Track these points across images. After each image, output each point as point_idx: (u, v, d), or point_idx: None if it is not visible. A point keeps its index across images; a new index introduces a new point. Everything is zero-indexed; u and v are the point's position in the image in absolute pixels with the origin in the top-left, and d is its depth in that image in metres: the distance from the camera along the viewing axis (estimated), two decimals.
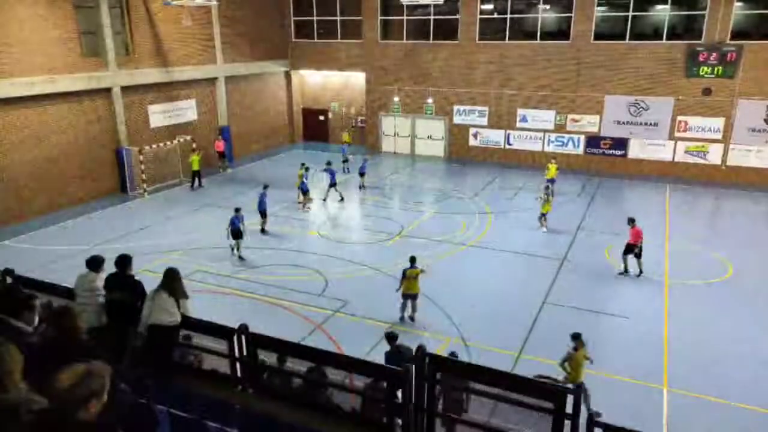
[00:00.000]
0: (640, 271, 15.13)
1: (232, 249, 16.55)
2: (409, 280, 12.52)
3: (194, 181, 23.73)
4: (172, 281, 6.43)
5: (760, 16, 24.06)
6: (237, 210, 16.64)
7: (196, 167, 23.47)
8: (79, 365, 2.89)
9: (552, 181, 22.34)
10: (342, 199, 22.13)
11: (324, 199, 22.05)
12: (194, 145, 24.52)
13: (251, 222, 18.21)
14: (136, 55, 23.28)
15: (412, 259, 12.66)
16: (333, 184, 21.95)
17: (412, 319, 12.80)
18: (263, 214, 18.43)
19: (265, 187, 18.79)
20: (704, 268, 15.87)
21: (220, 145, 27.06)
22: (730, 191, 23.73)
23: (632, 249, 15.00)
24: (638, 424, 4.91)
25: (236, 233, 16.30)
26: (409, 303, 12.76)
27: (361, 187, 23.86)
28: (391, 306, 13.34)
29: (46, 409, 2.95)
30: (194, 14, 25.06)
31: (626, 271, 15.20)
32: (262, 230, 18.52)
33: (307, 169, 21.03)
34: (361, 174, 23.82)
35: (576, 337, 9.50)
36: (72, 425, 2.86)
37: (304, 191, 20.88)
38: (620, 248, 15.37)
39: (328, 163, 22.39)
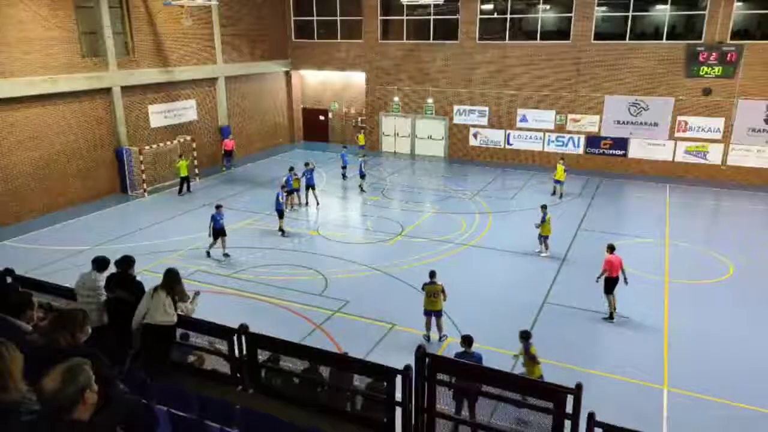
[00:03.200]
0: (610, 314, 12.90)
1: (209, 251, 16.31)
2: (428, 296, 11.66)
3: (182, 187, 23.14)
4: (172, 282, 6.44)
5: (760, 16, 24.07)
6: (218, 207, 16.45)
7: (184, 173, 22.87)
8: (59, 365, 2.91)
9: (559, 182, 22.42)
10: (317, 204, 21.64)
11: (306, 203, 21.72)
12: (196, 146, 24.49)
13: (263, 222, 18.24)
14: (136, 55, 23.28)
15: (432, 274, 11.82)
16: (310, 187, 21.63)
17: (440, 339, 11.85)
18: (281, 214, 18.29)
19: (283, 187, 18.57)
20: (704, 267, 15.87)
21: (229, 143, 27.36)
22: (730, 191, 23.73)
23: (614, 284, 12.79)
24: (638, 424, 4.91)
25: (219, 231, 16.14)
26: (433, 321, 11.83)
27: (362, 189, 23.54)
28: (391, 306, 13.35)
29: (44, 411, 2.95)
30: (194, 14, 25.06)
31: (611, 315, 12.88)
32: (281, 231, 18.31)
33: (291, 169, 21.03)
34: (362, 176, 23.57)
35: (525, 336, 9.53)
36: (71, 425, 2.86)
37: (288, 192, 20.66)
38: (621, 249, 15.29)
39: (306, 164, 22.06)
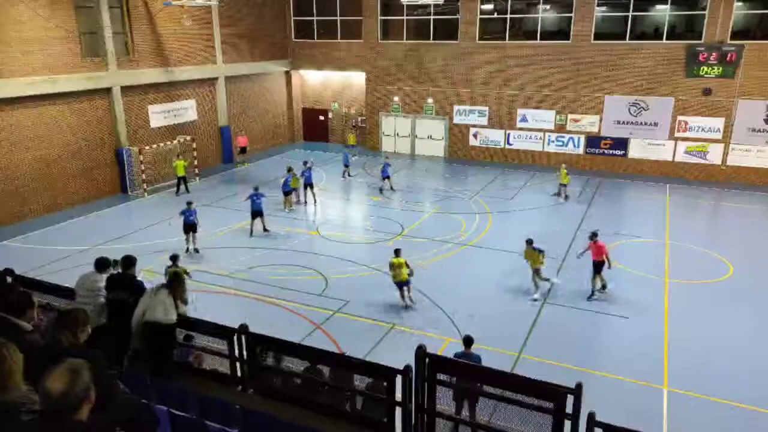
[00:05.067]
0: (592, 292, 13.86)
1: (188, 247, 16.69)
2: (393, 268, 13.12)
3: (179, 187, 23.12)
4: (176, 284, 6.48)
5: (760, 16, 24.07)
6: (189, 203, 16.93)
7: (181, 173, 22.83)
8: (63, 365, 2.89)
9: (564, 185, 22.39)
10: (315, 201, 21.74)
11: (305, 201, 21.78)
12: (196, 146, 24.49)
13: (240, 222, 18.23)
14: (136, 55, 23.28)
15: (397, 251, 13.34)
16: (309, 185, 21.69)
17: (411, 300, 13.38)
18: (258, 214, 18.19)
19: (256, 188, 18.56)
20: (704, 268, 15.86)
21: (242, 140, 27.94)
22: (730, 191, 23.73)
23: (600, 267, 13.68)
24: (638, 424, 4.91)
25: (189, 227, 16.54)
26: (404, 289, 13.32)
27: (382, 190, 23.30)
28: (391, 306, 13.35)
29: (46, 411, 2.94)
30: (194, 14, 25.08)
31: (603, 287, 13.90)
32: (265, 229, 18.41)
33: (289, 170, 21.03)
34: (386, 178, 23.32)
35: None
36: (72, 425, 2.86)
37: (285, 192, 20.73)
38: (621, 249, 15.35)
39: (305, 163, 22.14)
